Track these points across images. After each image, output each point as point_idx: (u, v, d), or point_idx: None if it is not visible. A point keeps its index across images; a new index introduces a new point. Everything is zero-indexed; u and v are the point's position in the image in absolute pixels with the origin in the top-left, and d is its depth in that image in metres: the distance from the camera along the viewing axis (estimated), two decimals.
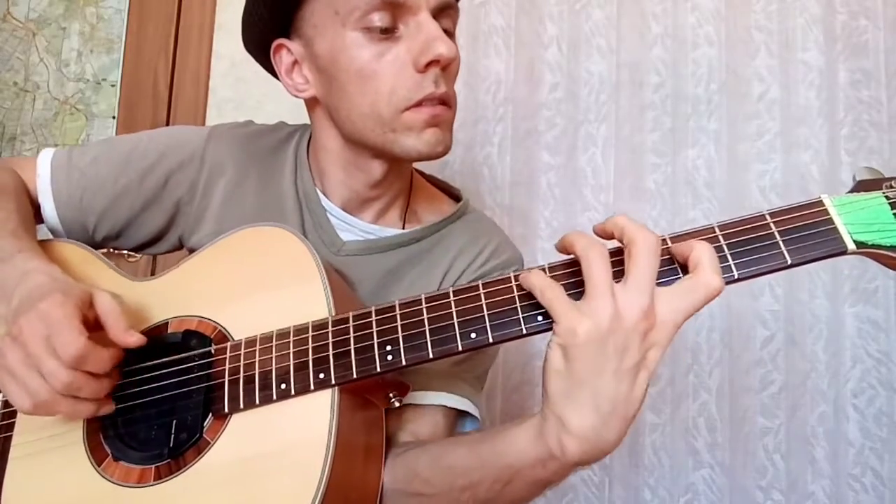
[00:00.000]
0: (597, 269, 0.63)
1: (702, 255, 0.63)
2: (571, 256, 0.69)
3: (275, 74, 0.97)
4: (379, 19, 0.84)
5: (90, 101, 1.76)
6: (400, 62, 0.85)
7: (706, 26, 1.65)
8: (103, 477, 0.76)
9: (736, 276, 0.66)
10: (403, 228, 1.00)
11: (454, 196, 1.09)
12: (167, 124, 1.74)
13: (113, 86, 1.77)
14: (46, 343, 0.71)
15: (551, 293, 0.65)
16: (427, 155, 0.89)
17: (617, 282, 0.63)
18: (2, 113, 1.74)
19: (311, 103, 0.97)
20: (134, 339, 0.76)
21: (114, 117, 1.75)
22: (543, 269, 0.69)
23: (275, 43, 0.94)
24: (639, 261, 0.63)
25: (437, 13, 0.87)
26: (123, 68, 1.76)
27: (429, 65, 0.85)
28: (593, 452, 0.65)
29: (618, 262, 0.65)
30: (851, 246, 0.65)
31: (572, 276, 0.68)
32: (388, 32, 0.85)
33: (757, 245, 0.66)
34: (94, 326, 0.76)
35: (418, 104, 0.86)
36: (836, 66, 1.59)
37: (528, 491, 0.73)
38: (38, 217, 0.99)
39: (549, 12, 1.69)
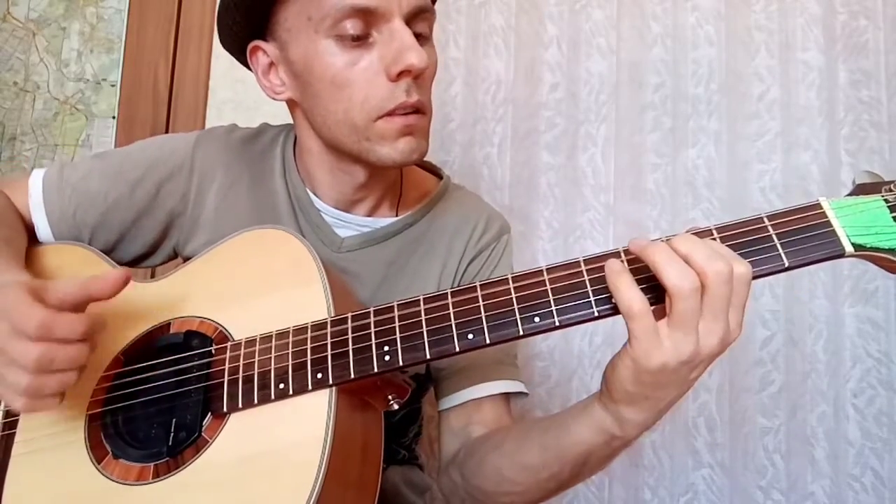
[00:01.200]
0: (687, 305, 0.63)
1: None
2: (572, 260, 0.69)
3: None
4: (351, 27, 0.84)
5: (90, 101, 1.76)
6: (372, 71, 0.85)
7: (706, 26, 1.65)
8: (103, 474, 0.76)
9: None
10: (396, 216, 1.01)
11: (435, 172, 1.10)
12: (167, 124, 1.74)
13: (113, 86, 1.77)
14: (11, 334, 0.69)
15: (639, 312, 0.64)
16: (402, 163, 0.89)
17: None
18: (2, 113, 1.74)
19: (291, 104, 0.97)
20: (119, 274, 0.75)
21: (114, 117, 1.75)
22: (541, 271, 0.70)
23: (250, 45, 0.93)
24: (714, 294, 0.63)
25: (412, 18, 0.86)
26: (123, 68, 1.76)
27: (401, 74, 0.85)
28: (651, 427, 0.72)
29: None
30: (849, 249, 0.65)
31: (574, 278, 0.69)
32: (360, 40, 0.85)
33: (755, 248, 0.66)
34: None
35: (391, 113, 0.86)
36: (836, 66, 1.59)
37: (603, 462, 0.79)
38: (32, 236, 0.98)
39: (549, 12, 1.69)
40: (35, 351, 0.69)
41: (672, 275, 0.63)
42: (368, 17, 0.84)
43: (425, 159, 1.06)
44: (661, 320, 0.64)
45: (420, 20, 0.88)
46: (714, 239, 0.67)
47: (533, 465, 0.81)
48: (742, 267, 0.64)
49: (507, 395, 0.98)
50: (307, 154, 0.98)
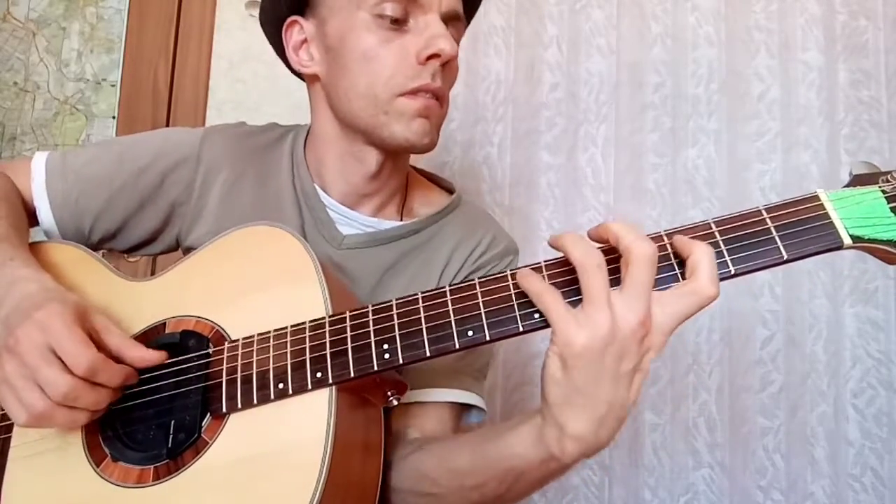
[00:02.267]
0: (594, 280, 0.63)
1: (701, 259, 0.63)
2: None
3: (279, 49, 1.01)
4: (392, 10, 0.89)
5: (90, 101, 1.76)
6: (404, 52, 0.89)
7: (706, 26, 1.65)
8: (102, 477, 0.76)
9: (732, 272, 0.65)
10: (401, 221, 1.02)
11: (446, 188, 1.10)
12: (167, 124, 1.74)
13: (113, 86, 1.76)
14: (45, 353, 0.70)
15: (549, 298, 0.65)
16: (412, 144, 0.92)
17: (614, 286, 0.64)
18: (2, 113, 1.74)
19: (312, 80, 1.00)
20: (154, 356, 0.78)
21: (114, 117, 1.75)
22: (540, 268, 0.69)
23: (289, 19, 0.97)
24: (636, 271, 0.63)
25: (446, 20, 0.91)
26: (123, 68, 1.76)
27: (430, 58, 0.89)
28: (590, 451, 0.66)
29: (613, 261, 0.66)
30: (847, 240, 0.64)
31: (570, 274, 0.67)
32: (398, 23, 0.90)
33: (753, 240, 0.66)
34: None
35: (413, 92, 0.90)
36: (836, 66, 1.59)
37: (533, 487, 0.74)
38: (33, 220, 0.99)
39: (549, 12, 1.69)
40: (66, 385, 0.70)
41: (577, 252, 0.63)
42: (409, 5, 0.89)
43: (437, 174, 1.07)
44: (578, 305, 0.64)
45: (452, 26, 0.93)
46: (713, 233, 0.67)
47: (460, 469, 0.78)
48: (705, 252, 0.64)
49: (456, 407, 0.96)
50: (320, 140, 0.99)
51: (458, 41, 0.95)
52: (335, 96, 0.95)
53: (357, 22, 0.90)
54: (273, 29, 1.00)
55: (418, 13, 0.90)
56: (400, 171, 1.02)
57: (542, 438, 0.68)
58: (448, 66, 0.92)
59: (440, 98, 0.92)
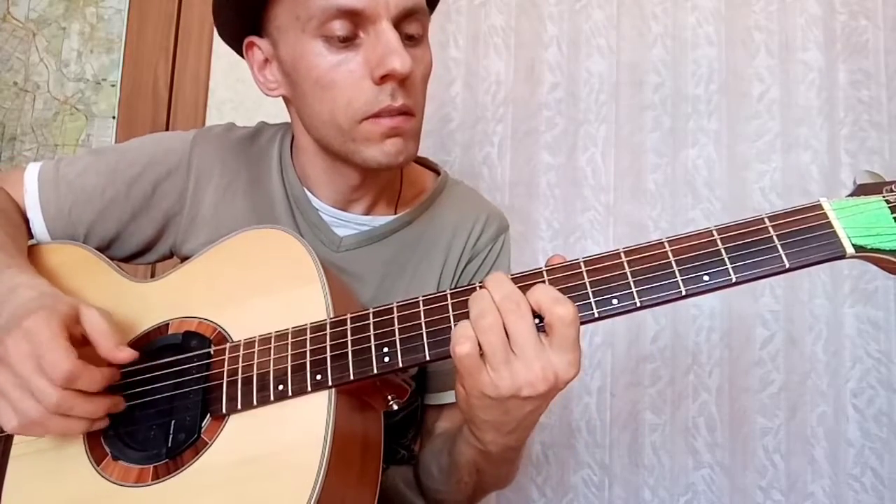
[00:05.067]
0: (468, 362, 0.67)
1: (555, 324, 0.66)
2: (571, 261, 0.70)
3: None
4: (339, 28, 0.83)
5: (90, 101, 1.76)
6: (358, 73, 0.84)
7: (706, 26, 1.65)
8: (102, 476, 0.77)
9: (734, 280, 0.65)
10: (395, 214, 1.01)
11: (433, 169, 1.10)
12: (167, 124, 1.74)
13: (113, 86, 1.77)
14: (34, 362, 0.71)
15: (464, 357, 0.67)
16: (388, 165, 0.88)
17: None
18: (2, 113, 1.74)
19: (286, 101, 0.97)
20: (124, 355, 0.76)
21: (114, 117, 1.76)
22: (542, 272, 0.70)
23: (246, 40, 0.93)
24: (490, 346, 0.66)
25: (401, 19, 0.84)
26: (123, 68, 1.77)
27: (384, 78, 0.83)
28: (513, 445, 0.79)
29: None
30: (850, 250, 0.64)
31: (575, 279, 0.69)
32: (348, 41, 0.84)
33: (755, 249, 0.65)
34: (82, 342, 0.75)
35: (376, 115, 0.85)
36: (836, 66, 1.59)
37: (499, 467, 0.87)
38: (28, 232, 0.99)
39: (549, 12, 1.69)
40: (55, 396, 0.71)
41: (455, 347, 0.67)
42: (356, 19, 0.82)
43: (423, 156, 1.06)
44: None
45: (411, 21, 0.86)
46: (715, 240, 0.67)
47: (444, 468, 0.90)
48: (561, 309, 0.65)
49: None
50: (303, 153, 0.98)
51: (423, 32, 0.89)
52: (305, 121, 0.92)
53: (306, 47, 0.85)
54: (236, 49, 0.96)
55: (367, 25, 0.83)
56: (384, 175, 0.99)
57: (475, 445, 0.80)
58: (409, 81, 0.85)
59: (407, 111, 0.86)
